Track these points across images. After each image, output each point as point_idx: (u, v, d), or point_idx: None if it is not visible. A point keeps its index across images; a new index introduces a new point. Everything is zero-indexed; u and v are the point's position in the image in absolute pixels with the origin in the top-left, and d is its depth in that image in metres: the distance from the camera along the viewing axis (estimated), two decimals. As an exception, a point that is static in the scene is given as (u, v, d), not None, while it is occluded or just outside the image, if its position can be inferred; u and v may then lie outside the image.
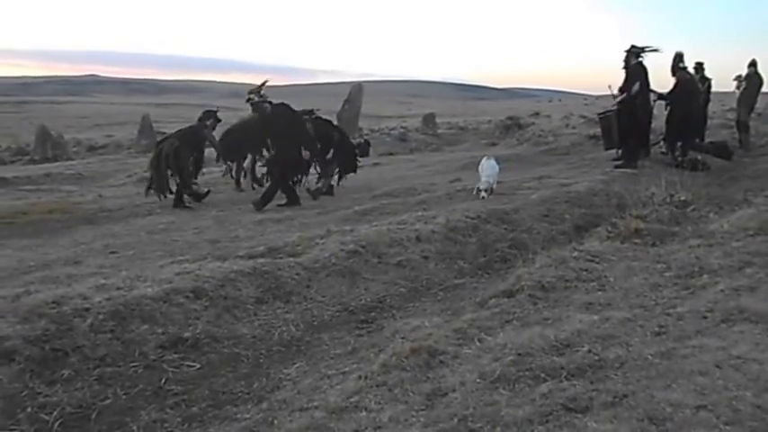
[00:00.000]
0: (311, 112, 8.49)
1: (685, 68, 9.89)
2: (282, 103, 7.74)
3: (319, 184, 8.26)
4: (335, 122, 10.21)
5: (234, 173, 9.12)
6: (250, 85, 8.08)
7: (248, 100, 7.79)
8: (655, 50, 9.19)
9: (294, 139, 7.48)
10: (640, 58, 9.13)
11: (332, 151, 8.27)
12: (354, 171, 8.69)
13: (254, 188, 8.84)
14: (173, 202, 7.63)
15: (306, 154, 7.61)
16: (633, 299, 3.29)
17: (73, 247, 5.60)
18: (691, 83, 10.06)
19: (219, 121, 8.22)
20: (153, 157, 7.79)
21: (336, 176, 8.47)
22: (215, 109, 8.56)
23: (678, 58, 9.75)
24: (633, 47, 9.17)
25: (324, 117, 8.92)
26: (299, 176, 7.79)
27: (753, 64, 11.20)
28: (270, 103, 7.60)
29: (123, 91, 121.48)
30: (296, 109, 8.07)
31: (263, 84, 8.03)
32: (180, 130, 8.17)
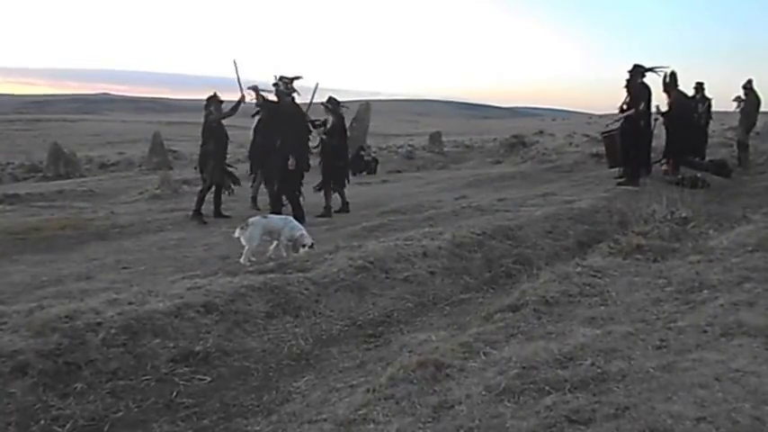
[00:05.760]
0: (336, 103, 8.65)
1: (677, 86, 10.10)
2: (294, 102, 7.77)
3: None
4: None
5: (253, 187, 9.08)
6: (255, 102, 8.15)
7: (275, 84, 7.68)
8: (663, 67, 9.38)
9: (297, 134, 7.52)
10: (644, 78, 9.28)
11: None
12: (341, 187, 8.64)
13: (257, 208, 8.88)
14: (213, 212, 7.96)
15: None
16: (635, 313, 3.33)
17: (85, 263, 5.69)
18: (686, 101, 10.26)
19: (221, 102, 8.18)
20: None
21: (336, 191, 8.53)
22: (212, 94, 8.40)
23: (673, 77, 9.94)
24: (638, 66, 9.32)
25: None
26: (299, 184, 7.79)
27: (747, 84, 11.40)
28: (292, 97, 7.59)
29: (134, 109, 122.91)
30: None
31: (296, 78, 7.99)
32: (203, 136, 8.28)
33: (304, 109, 8.00)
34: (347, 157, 8.59)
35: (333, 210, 8.31)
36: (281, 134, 7.43)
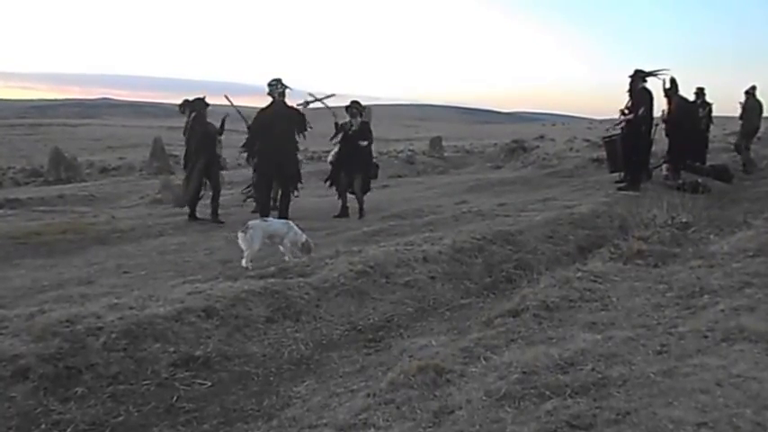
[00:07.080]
0: (362, 107, 8.68)
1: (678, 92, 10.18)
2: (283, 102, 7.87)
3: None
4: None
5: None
6: (257, 107, 8.21)
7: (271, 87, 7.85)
8: (664, 71, 9.44)
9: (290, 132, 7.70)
10: (646, 83, 9.33)
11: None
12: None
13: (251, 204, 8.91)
14: (210, 217, 8.06)
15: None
16: (636, 318, 3.34)
17: (86, 267, 5.68)
18: (687, 106, 10.33)
19: (207, 106, 8.34)
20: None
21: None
22: (201, 96, 8.55)
23: (673, 82, 10.01)
24: (639, 71, 9.36)
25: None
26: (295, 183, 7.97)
27: (750, 90, 11.50)
28: (282, 96, 7.75)
29: (135, 114, 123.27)
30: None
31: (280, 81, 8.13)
32: (198, 145, 8.31)
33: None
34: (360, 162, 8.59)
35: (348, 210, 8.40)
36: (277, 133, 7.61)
